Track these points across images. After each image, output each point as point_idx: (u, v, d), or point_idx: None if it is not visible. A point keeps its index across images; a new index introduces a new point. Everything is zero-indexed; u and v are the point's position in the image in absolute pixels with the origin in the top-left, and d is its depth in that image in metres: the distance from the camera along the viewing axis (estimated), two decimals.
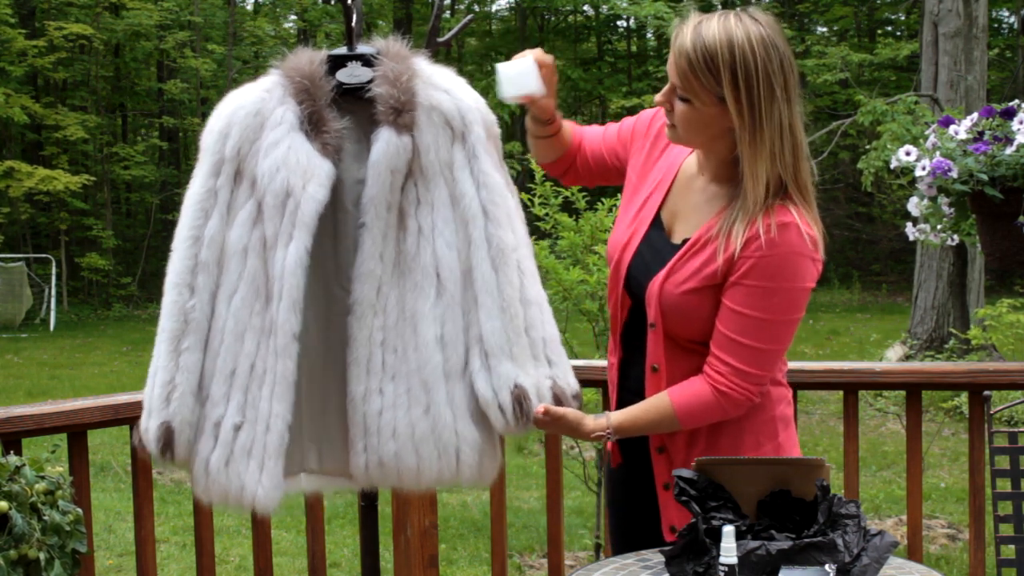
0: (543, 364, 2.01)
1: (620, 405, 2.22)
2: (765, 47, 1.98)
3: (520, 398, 1.95)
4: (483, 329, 1.96)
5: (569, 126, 2.35)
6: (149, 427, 1.96)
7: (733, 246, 2.03)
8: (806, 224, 2.03)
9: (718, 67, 1.96)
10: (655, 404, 2.09)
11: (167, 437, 1.94)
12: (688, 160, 2.21)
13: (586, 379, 2.18)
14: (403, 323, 1.98)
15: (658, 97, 2.08)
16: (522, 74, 2.11)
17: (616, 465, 2.30)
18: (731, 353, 2.05)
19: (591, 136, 2.37)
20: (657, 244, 2.16)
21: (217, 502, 1.99)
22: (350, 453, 2.01)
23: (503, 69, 2.11)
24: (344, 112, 1.99)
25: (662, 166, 2.24)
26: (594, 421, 2.09)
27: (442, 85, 1.99)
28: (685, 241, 2.12)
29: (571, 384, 2.05)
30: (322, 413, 2.06)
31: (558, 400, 2.01)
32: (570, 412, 2.04)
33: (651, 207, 2.20)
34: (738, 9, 2.04)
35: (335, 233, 2.03)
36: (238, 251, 1.95)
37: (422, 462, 1.98)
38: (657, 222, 2.18)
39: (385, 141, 1.94)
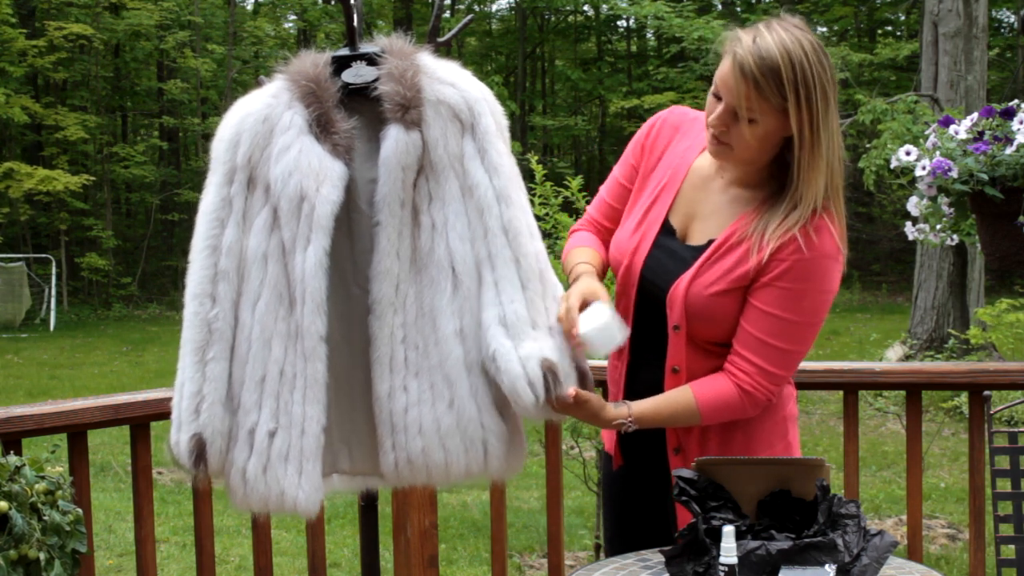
0: (563, 344, 1.99)
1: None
2: (818, 55, 1.98)
3: (551, 370, 1.93)
4: (506, 311, 1.94)
5: (595, 241, 2.31)
6: (180, 440, 1.94)
7: (767, 248, 2.03)
8: (837, 228, 2.05)
9: (783, 83, 1.96)
10: (677, 397, 2.09)
11: (199, 449, 1.93)
12: (698, 162, 2.19)
13: None
14: (422, 319, 1.98)
15: (714, 120, 2.03)
16: (606, 328, 1.99)
17: (617, 467, 2.30)
18: (758, 353, 2.05)
19: (601, 208, 2.33)
20: (673, 247, 2.15)
21: (258, 509, 1.98)
22: (379, 452, 2.00)
23: (589, 336, 1.98)
24: (352, 112, 1.99)
25: (664, 168, 2.22)
26: (615, 409, 2.07)
27: (447, 79, 1.98)
28: (710, 242, 2.11)
29: (586, 365, 2.04)
30: (350, 413, 2.06)
31: (582, 375, 1.99)
32: (593, 397, 2.03)
33: (659, 211, 2.19)
34: (776, 20, 2.02)
35: (351, 233, 2.02)
36: (258, 258, 1.95)
37: (449, 456, 1.97)
38: (667, 226, 2.17)
39: (394, 139, 1.94)
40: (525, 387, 1.93)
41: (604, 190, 2.34)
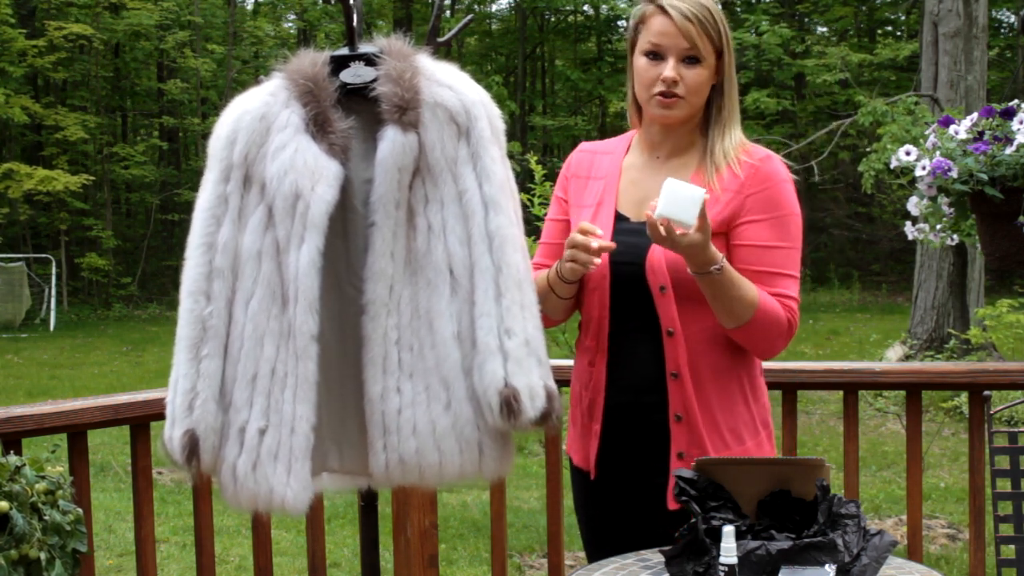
0: (534, 363, 1.97)
1: (611, 410, 2.22)
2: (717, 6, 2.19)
3: (513, 397, 1.92)
4: (477, 325, 1.95)
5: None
6: (173, 436, 1.95)
7: (731, 188, 2.14)
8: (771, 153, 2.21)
9: (716, 23, 2.15)
10: (746, 283, 2.10)
11: (192, 445, 1.93)
12: (627, 161, 2.28)
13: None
14: (417, 321, 1.97)
15: (666, 75, 2.13)
16: (691, 200, 1.98)
17: (592, 480, 2.28)
18: (787, 286, 2.15)
19: (548, 251, 2.35)
20: (633, 228, 2.19)
21: (247, 507, 1.98)
22: (369, 453, 2.00)
23: (674, 185, 1.99)
24: (349, 112, 1.99)
25: (596, 182, 2.29)
26: (714, 250, 2.05)
27: (446, 81, 1.98)
28: None
29: (554, 385, 2.03)
30: (341, 413, 2.06)
31: (551, 397, 1.99)
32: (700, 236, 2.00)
33: (607, 209, 2.23)
34: None
35: (345, 233, 2.02)
36: (252, 256, 1.95)
37: (444, 458, 1.97)
38: (620, 216, 2.23)
39: (391, 140, 1.93)
40: (487, 410, 1.94)
41: (545, 236, 2.38)
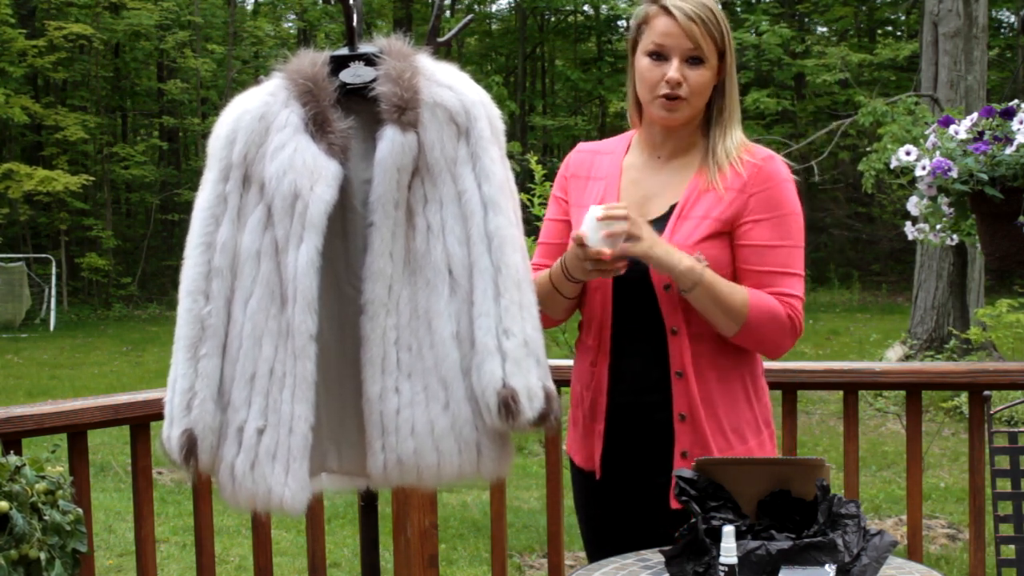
0: (533, 363, 1.97)
1: (614, 409, 2.22)
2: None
3: (511, 397, 1.91)
4: (476, 325, 1.95)
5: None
6: (171, 435, 1.95)
7: (734, 187, 2.15)
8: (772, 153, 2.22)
9: (718, 23, 2.15)
10: (734, 285, 2.12)
11: (190, 444, 1.93)
12: (628, 161, 2.29)
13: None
14: (416, 321, 1.97)
15: (671, 77, 2.13)
16: (592, 224, 2.04)
17: (597, 480, 2.28)
18: (790, 284, 2.15)
19: (548, 251, 2.36)
20: None
21: (245, 507, 1.98)
22: (368, 453, 1.99)
23: (585, 229, 2.05)
24: (349, 112, 1.99)
25: (596, 182, 2.29)
26: (689, 256, 2.09)
27: (445, 81, 1.98)
28: (672, 207, 2.18)
29: (552, 386, 2.03)
30: (340, 413, 2.06)
31: (549, 398, 1.98)
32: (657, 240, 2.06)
33: None
34: None
35: (344, 233, 2.02)
36: (251, 256, 1.95)
37: (443, 458, 1.97)
38: None
39: (390, 140, 1.93)
40: (485, 411, 1.93)
41: (544, 236, 2.38)
